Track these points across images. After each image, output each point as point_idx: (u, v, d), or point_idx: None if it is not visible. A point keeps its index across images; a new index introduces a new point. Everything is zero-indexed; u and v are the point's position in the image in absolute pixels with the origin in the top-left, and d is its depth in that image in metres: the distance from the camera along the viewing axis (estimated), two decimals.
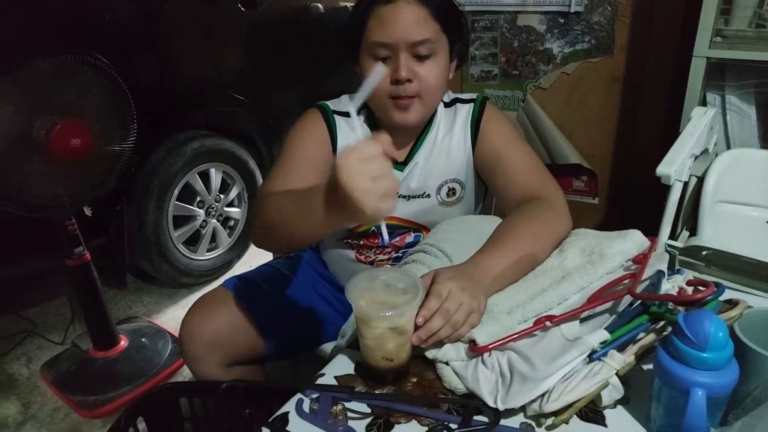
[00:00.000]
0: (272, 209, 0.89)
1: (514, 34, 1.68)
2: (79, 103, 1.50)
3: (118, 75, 1.52)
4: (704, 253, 0.92)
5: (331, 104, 1.12)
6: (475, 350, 0.71)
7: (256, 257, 2.48)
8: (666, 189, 1.11)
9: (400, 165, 1.09)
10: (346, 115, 1.08)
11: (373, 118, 1.11)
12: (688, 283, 0.72)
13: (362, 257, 1.15)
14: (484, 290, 0.80)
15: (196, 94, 2.23)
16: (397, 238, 1.10)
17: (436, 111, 1.10)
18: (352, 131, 1.07)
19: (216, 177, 2.30)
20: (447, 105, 1.11)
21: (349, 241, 1.15)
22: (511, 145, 1.05)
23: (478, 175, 1.10)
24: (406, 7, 0.95)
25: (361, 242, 1.13)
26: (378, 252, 1.14)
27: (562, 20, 1.59)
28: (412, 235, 1.10)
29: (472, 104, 1.09)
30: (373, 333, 0.71)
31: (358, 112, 1.10)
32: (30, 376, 1.91)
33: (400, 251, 1.12)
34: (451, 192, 1.10)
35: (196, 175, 2.21)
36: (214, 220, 2.34)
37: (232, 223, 2.44)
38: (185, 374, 1.89)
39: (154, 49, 2.05)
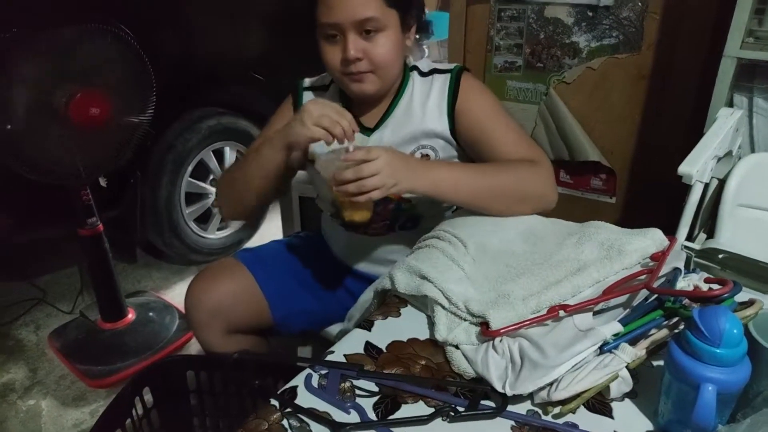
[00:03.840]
0: (232, 167, 1.09)
1: (540, 26, 1.65)
2: (99, 73, 1.51)
3: (140, 47, 1.53)
4: (720, 256, 0.90)
5: (309, 80, 1.18)
6: (487, 334, 0.70)
7: (265, 237, 2.47)
8: (686, 189, 1.09)
9: (368, 130, 1.10)
10: (321, 89, 1.16)
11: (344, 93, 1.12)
12: (706, 281, 0.70)
13: (355, 230, 1.15)
14: (412, 182, 0.90)
15: (216, 72, 2.23)
16: (380, 207, 1.09)
17: (407, 79, 1.10)
18: None
19: (230, 156, 2.30)
20: (424, 74, 1.11)
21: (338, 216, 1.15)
22: (493, 117, 1.05)
23: (461, 147, 1.09)
24: None
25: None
26: (368, 225, 1.13)
27: (590, 14, 1.56)
28: (393, 202, 1.10)
29: (448, 75, 1.08)
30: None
31: (329, 85, 1.16)
32: (38, 342, 1.93)
33: (388, 221, 1.12)
34: (425, 158, 1.08)
35: (211, 153, 2.22)
36: None
37: None
38: (191, 350, 1.90)
39: (178, 24, 2.05)
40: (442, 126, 1.06)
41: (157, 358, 1.81)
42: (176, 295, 2.18)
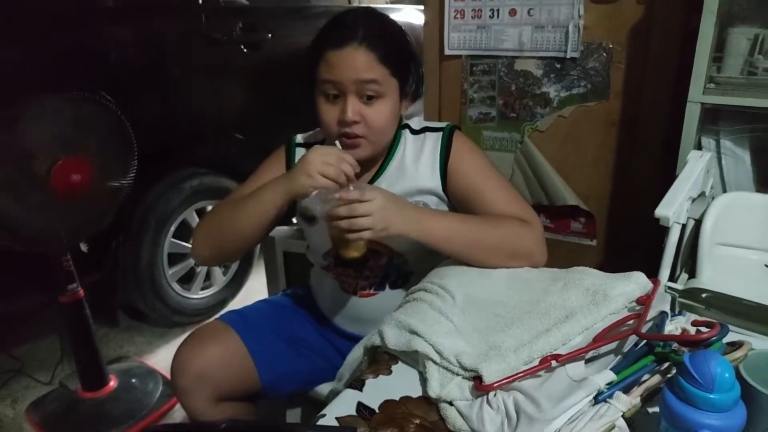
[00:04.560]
0: (217, 210, 1.11)
1: (511, 78, 1.72)
2: (81, 140, 1.51)
3: (122, 112, 1.54)
4: (704, 295, 0.91)
5: (301, 136, 1.20)
6: (480, 388, 0.70)
7: (250, 296, 2.45)
8: (664, 231, 1.12)
9: None
10: (311, 144, 1.14)
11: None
12: (693, 323, 0.71)
13: (345, 286, 1.16)
14: (403, 227, 0.93)
15: (197, 133, 2.25)
16: (372, 261, 1.10)
17: (399, 137, 1.12)
18: None
19: None
20: (416, 132, 1.13)
21: (332, 267, 1.16)
22: (485, 176, 1.08)
23: (452, 205, 1.11)
24: (354, 53, 0.98)
25: (339, 270, 1.14)
26: (358, 278, 1.14)
27: (558, 65, 1.63)
28: (385, 257, 1.11)
29: (440, 133, 1.11)
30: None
31: (322, 141, 1.16)
32: (15, 417, 1.85)
33: (379, 277, 1.13)
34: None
35: (194, 212, 2.21)
36: None
37: None
38: (175, 417, 1.84)
39: (158, 88, 2.08)
40: (435, 183, 1.09)
41: (140, 427, 1.75)
42: (159, 359, 2.12)
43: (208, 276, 2.35)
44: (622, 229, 1.71)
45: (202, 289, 2.35)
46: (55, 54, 1.80)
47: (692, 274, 1.20)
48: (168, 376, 1.11)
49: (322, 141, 1.17)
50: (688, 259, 1.24)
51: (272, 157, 1.19)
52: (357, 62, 0.97)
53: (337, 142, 1.01)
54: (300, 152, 1.16)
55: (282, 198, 0.99)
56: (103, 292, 2.04)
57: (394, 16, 1.06)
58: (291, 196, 0.99)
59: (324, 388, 1.21)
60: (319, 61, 1.00)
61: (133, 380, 1.92)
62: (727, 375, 0.55)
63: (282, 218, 1.06)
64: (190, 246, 2.23)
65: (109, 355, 2.10)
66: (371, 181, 1.11)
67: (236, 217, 1.05)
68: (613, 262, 1.71)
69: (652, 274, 0.91)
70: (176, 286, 2.22)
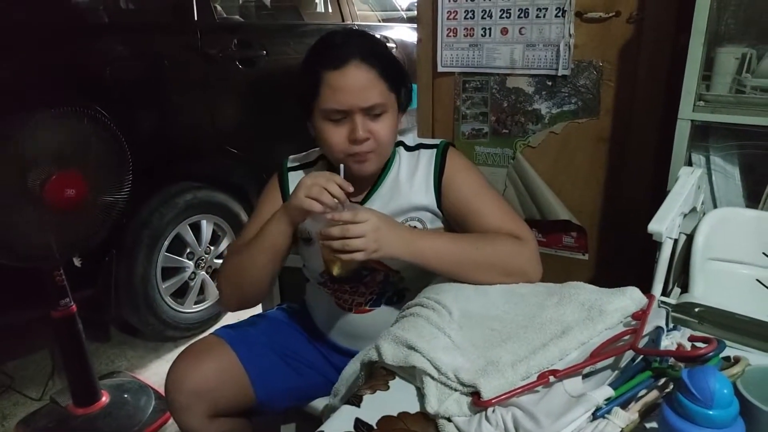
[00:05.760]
0: (235, 254, 1.10)
1: (503, 95, 1.74)
2: (76, 154, 1.51)
3: (117, 127, 1.55)
4: (697, 309, 0.92)
5: (293, 159, 1.20)
6: (479, 404, 0.70)
7: (244, 311, 2.44)
8: (656, 246, 1.13)
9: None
10: (307, 166, 1.18)
11: (332, 168, 1.14)
12: (690, 339, 0.72)
13: (341, 302, 1.15)
14: (395, 250, 0.94)
15: (191, 147, 2.26)
16: (368, 278, 1.11)
17: (394, 153, 1.13)
18: None
19: (207, 229, 2.30)
20: (410, 149, 1.14)
21: (328, 284, 1.16)
22: (479, 193, 1.09)
23: (447, 221, 1.12)
24: (356, 72, 0.99)
25: (336, 286, 1.14)
26: (354, 294, 1.14)
27: (549, 83, 1.65)
28: (381, 274, 1.11)
29: (435, 150, 1.12)
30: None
31: (316, 161, 1.18)
32: None
33: (375, 294, 1.13)
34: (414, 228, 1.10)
35: (187, 227, 2.21)
36: (203, 272, 2.32)
37: None
38: None
39: (154, 103, 2.09)
40: (429, 200, 1.09)
41: None
42: (152, 374, 2.10)
43: (201, 290, 2.34)
44: (613, 244, 1.73)
45: (196, 303, 2.34)
46: (50, 69, 1.81)
47: (684, 288, 1.21)
48: (161, 391, 1.11)
49: (315, 162, 1.18)
50: (681, 273, 1.26)
51: (268, 187, 1.19)
52: (360, 83, 0.99)
53: (341, 166, 1.01)
54: (293, 176, 1.16)
55: (286, 227, 1.01)
56: (96, 308, 2.02)
57: (387, 34, 1.07)
58: (293, 224, 1.00)
59: (319, 404, 1.20)
60: (319, 84, 1.00)
61: (126, 395, 1.90)
62: (725, 391, 0.56)
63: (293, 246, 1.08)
64: (183, 260, 2.23)
65: (100, 370, 2.08)
66: (366, 197, 1.12)
67: (250, 263, 1.06)
68: (605, 276, 1.73)
69: (644, 288, 0.92)
70: (170, 300, 2.21)
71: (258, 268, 1.06)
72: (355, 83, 0.98)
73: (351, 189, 0.94)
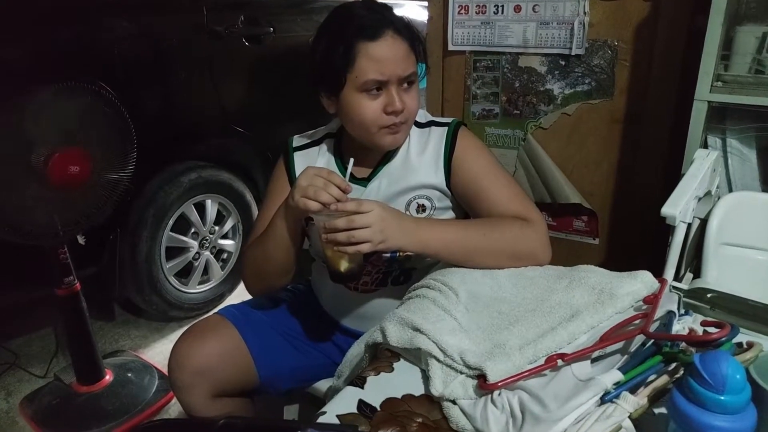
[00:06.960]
0: (252, 248, 1.08)
1: (515, 75, 1.70)
2: (80, 131, 1.49)
3: (122, 104, 1.52)
4: (709, 295, 0.90)
5: (299, 138, 1.18)
6: (485, 387, 0.68)
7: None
8: (668, 230, 1.10)
9: (363, 181, 1.10)
10: (312, 145, 1.16)
11: (340, 146, 1.14)
12: (703, 324, 0.70)
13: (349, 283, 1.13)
14: (401, 241, 0.92)
15: (197, 126, 2.23)
16: (374, 256, 1.08)
17: None
18: (310, 162, 1.12)
19: (212, 208, 2.28)
20: (421, 126, 1.12)
21: None
22: (489, 174, 1.07)
23: (455, 200, 1.10)
24: (393, 43, 0.98)
25: None
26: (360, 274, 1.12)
27: (562, 62, 1.61)
28: (387, 253, 1.09)
29: (446, 128, 1.10)
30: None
31: (322, 140, 1.16)
32: (9, 410, 1.84)
33: (382, 273, 1.11)
34: (421, 208, 1.09)
35: (192, 206, 2.19)
36: (208, 252, 2.31)
37: (225, 255, 2.40)
38: (171, 412, 1.83)
39: (160, 81, 2.06)
40: (438, 179, 1.08)
41: (135, 422, 1.73)
42: (155, 353, 2.11)
43: (206, 270, 2.34)
44: (624, 228, 1.70)
45: (200, 283, 2.34)
46: (55, 46, 1.79)
47: (697, 273, 1.19)
48: (164, 370, 1.10)
49: (320, 140, 1.16)
50: (693, 258, 1.23)
51: (275, 172, 1.18)
52: (399, 52, 0.99)
53: (351, 160, 1.00)
54: (298, 158, 1.15)
55: (291, 223, 1.00)
56: (100, 286, 2.02)
57: (397, 12, 1.05)
58: (297, 220, 0.99)
59: (322, 385, 1.19)
60: (356, 56, 0.97)
61: (129, 374, 1.90)
62: (738, 376, 0.54)
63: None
64: (188, 240, 2.22)
65: (104, 349, 2.08)
66: (374, 173, 1.10)
67: (267, 258, 1.05)
68: (615, 261, 1.70)
69: (655, 273, 0.90)
70: (173, 280, 2.20)
71: (276, 260, 1.05)
72: (396, 53, 0.98)
73: (351, 189, 0.92)
